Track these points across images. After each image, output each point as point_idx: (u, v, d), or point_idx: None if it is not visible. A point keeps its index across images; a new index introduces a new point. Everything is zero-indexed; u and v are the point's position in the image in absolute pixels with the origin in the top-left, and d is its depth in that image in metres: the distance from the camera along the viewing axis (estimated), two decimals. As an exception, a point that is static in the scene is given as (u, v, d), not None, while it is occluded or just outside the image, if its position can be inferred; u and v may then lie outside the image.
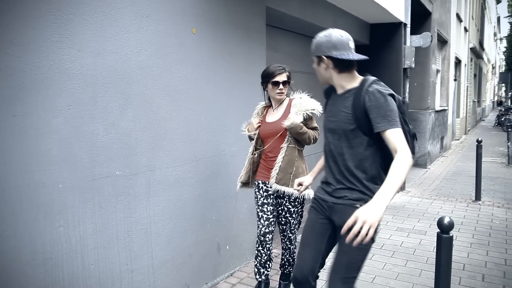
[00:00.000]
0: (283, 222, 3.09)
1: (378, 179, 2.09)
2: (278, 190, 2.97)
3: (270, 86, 2.96)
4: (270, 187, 3.00)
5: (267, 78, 2.95)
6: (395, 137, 1.94)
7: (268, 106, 3.13)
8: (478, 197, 6.43)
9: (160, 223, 2.95)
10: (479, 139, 6.63)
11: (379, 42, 6.85)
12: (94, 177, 2.48)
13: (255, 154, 3.08)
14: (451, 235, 2.42)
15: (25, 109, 2.12)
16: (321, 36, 2.12)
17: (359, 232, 1.76)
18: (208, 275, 3.46)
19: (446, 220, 2.40)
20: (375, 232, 1.95)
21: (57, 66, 2.25)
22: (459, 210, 5.94)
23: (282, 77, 2.94)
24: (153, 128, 2.85)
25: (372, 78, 2.10)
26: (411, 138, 2.13)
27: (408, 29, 6.89)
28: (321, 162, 2.53)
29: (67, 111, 2.31)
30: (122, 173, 2.65)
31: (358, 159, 2.09)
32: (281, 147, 2.95)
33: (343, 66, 2.09)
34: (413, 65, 6.82)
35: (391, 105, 1.99)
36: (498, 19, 44.11)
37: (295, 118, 2.85)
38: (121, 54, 2.59)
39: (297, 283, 2.26)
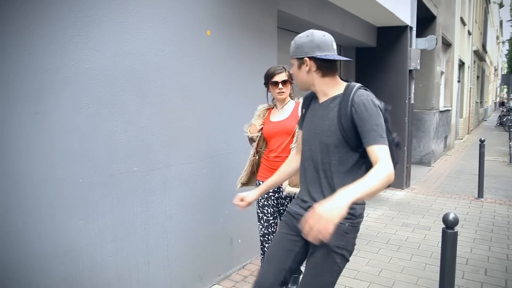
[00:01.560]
0: None
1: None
2: (289, 192, 2.75)
3: (271, 86, 2.86)
4: (281, 190, 2.84)
5: (267, 79, 2.85)
6: (379, 152, 1.69)
7: (271, 108, 2.98)
8: (480, 194, 6.31)
9: (175, 217, 2.93)
10: (482, 138, 6.51)
11: (386, 45, 6.75)
12: (112, 172, 2.46)
13: (256, 156, 2.96)
14: (455, 230, 2.37)
15: (47, 107, 2.10)
16: (302, 36, 1.86)
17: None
18: (221, 267, 3.44)
19: (451, 216, 2.35)
20: (348, 251, 1.81)
21: (78, 66, 2.23)
22: (462, 207, 5.83)
23: (281, 77, 2.80)
24: (169, 126, 2.83)
25: (357, 84, 1.84)
26: (395, 146, 1.88)
27: (414, 32, 6.78)
28: (274, 177, 2.26)
29: (87, 109, 2.30)
30: (139, 169, 2.63)
31: (342, 174, 1.83)
32: (291, 148, 2.78)
33: (326, 68, 1.85)
34: (418, 67, 6.72)
35: (378, 118, 1.74)
36: (501, 22, 43.42)
37: None
38: (139, 54, 2.57)
39: None
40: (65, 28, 2.16)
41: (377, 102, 1.79)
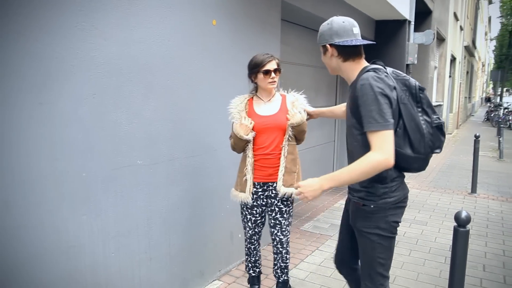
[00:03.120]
0: (272, 224, 2.71)
1: (384, 177, 1.86)
2: (284, 193, 2.61)
3: (261, 76, 2.55)
4: (271, 188, 2.67)
5: (256, 67, 2.54)
6: (374, 139, 1.71)
7: (251, 98, 2.69)
8: (474, 190, 6.35)
9: (178, 212, 2.85)
10: (477, 134, 6.53)
11: (384, 39, 6.69)
12: (116, 166, 2.36)
13: (249, 157, 2.63)
14: (467, 229, 2.32)
15: (52, 97, 2.00)
16: (324, 25, 1.93)
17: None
18: (221, 263, 3.37)
19: (463, 215, 2.31)
20: (381, 229, 1.90)
21: (83, 54, 2.12)
22: (456, 202, 5.86)
23: (272, 65, 2.54)
24: (174, 118, 2.73)
25: (370, 66, 1.86)
26: (435, 130, 1.86)
27: (412, 26, 6.75)
28: (329, 108, 2.63)
29: (92, 99, 2.19)
30: (143, 163, 2.54)
31: (359, 156, 1.81)
32: (282, 146, 2.60)
33: (347, 53, 1.89)
34: (415, 62, 6.70)
35: (372, 103, 1.71)
36: (489, 19, 43.79)
37: (304, 114, 2.61)
38: (145, 43, 2.46)
39: (337, 270, 2.34)
40: (71, 13, 2.04)
41: (377, 84, 1.73)
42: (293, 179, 2.64)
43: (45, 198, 2.02)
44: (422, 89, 1.87)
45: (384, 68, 1.87)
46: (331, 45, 1.89)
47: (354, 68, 1.90)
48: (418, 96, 1.84)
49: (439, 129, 1.87)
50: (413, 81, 1.88)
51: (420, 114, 1.84)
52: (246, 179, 2.64)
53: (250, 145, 2.60)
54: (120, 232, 2.43)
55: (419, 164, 1.91)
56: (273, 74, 2.55)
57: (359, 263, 2.07)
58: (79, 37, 2.08)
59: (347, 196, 2.17)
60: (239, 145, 2.62)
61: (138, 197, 2.53)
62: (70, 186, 2.12)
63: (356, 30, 1.89)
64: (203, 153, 3.01)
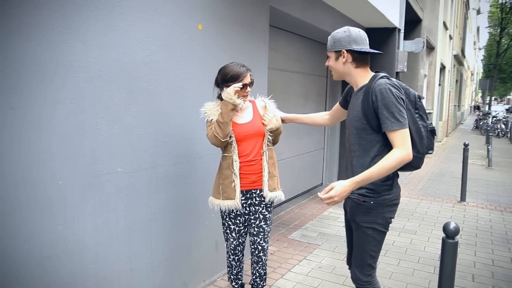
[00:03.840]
0: (255, 232, 2.64)
1: (385, 178, 2.04)
2: (271, 198, 2.61)
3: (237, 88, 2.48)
4: (254, 195, 2.61)
5: (232, 80, 2.47)
6: (398, 137, 1.93)
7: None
8: (463, 198, 6.33)
9: (160, 221, 2.76)
10: (466, 142, 6.53)
11: (374, 46, 6.59)
12: (95, 174, 2.27)
13: (235, 161, 2.54)
14: (456, 240, 2.26)
15: (25, 102, 1.91)
16: (340, 32, 2.08)
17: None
18: (206, 273, 3.28)
19: (452, 226, 2.23)
20: (378, 224, 2.08)
21: (60, 57, 2.03)
22: (446, 211, 5.83)
23: (248, 79, 2.52)
24: (156, 125, 2.65)
25: (382, 74, 2.05)
26: (429, 133, 2.11)
27: (402, 35, 6.75)
28: (302, 116, 2.74)
29: (69, 104, 2.10)
30: (124, 170, 2.45)
31: (366, 156, 2.06)
32: (263, 151, 2.58)
33: (360, 60, 2.06)
34: (405, 69, 6.70)
35: (393, 105, 1.92)
36: (478, 29, 44.39)
37: (278, 118, 2.63)
38: (127, 47, 2.38)
39: (349, 267, 2.41)
40: (48, 14, 1.96)
41: (395, 90, 1.95)
42: (275, 183, 2.66)
43: (18, 206, 1.92)
44: (420, 98, 2.11)
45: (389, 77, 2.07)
46: (348, 51, 2.04)
47: (364, 75, 2.09)
48: (417, 103, 2.08)
49: (432, 133, 2.13)
50: (412, 90, 2.11)
51: (418, 119, 2.07)
52: (234, 185, 2.54)
53: (235, 149, 2.53)
54: (99, 242, 2.34)
55: (418, 163, 2.12)
56: (248, 88, 2.55)
57: (353, 253, 2.23)
58: (56, 40, 2.00)
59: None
60: (225, 129, 2.43)
61: (118, 206, 2.44)
62: (45, 194, 2.03)
63: (367, 40, 2.10)
64: (187, 160, 2.93)
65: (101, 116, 2.27)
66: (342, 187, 1.90)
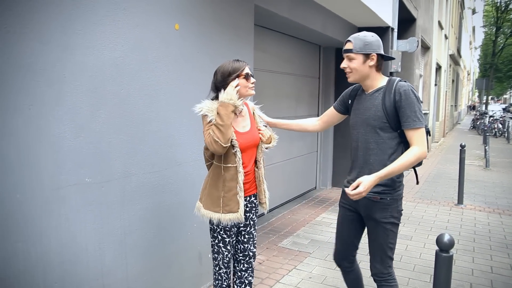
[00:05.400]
0: (246, 239, 2.52)
1: (399, 174, 2.19)
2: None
3: (243, 81, 2.29)
4: (249, 204, 2.47)
5: (235, 73, 2.27)
6: (417, 135, 2.11)
7: None
8: (460, 200, 6.18)
9: (136, 233, 2.59)
10: (463, 143, 6.38)
11: (367, 46, 6.53)
12: (59, 185, 2.10)
13: (240, 172, 2.34)
14: (451, 254, 2.09)
15: (-26, 109, 1.74)
16: (368, 36, 2.18)
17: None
18: (188, 286, 3.10)
19: (446, 238, 2.06)
20: (394, 217, 2.24)
21: (15, 60, 1.87)
22: (442, 214, 5.67)
23: (248, 70, 2.33)
24: (129, 131, 2.48)
25: (398, 78, 2.21)
26: (427, 133, 2.24)
27: (395, 34, 6.60)
28: (289, 121, 2.73)
29: (27, 111, 1.94)
30: (93, 180, 2.28)
31: (384, 153, 2.19)
32: (259, 161, 2.45)
33: (381, 64, 2.23)
34: (399, 70, 6.54)
35: (416, 105, 2.10)
36: (473, 28, 44.36)
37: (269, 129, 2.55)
38: (93, 48, 2.21)
39: (337, 265, 2.57)
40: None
41: (415, 92, 2.14)
42: (264, 191, 2.55)
43: (-31, 224, 1.75)
44: (420, 101, 2.22)
45: None
46: (377, 54, 2.17)
47: (380, 78, 2.24)
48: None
49: (427, 134, 2.25)
50: (416, 93, 2.24)
51: None
52: (239, 197, 2.32)
53: (240, 160, 2.30)
54: (65, 258, 2.16)
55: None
56: (252, 79, 2.35)
57: (369, 249, 2.34)
58: (9, 41, 1.83)
59: (343, 196, 2.44)
60: (227, 133, 2.18)
61: (88, 219, 2.27)
62: (1, 210, 1.86)
63: None
64: (164, 168, 2.76)
65: (65, 123, 2.10)
66: (369, 182, 2.04)
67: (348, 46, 2.20)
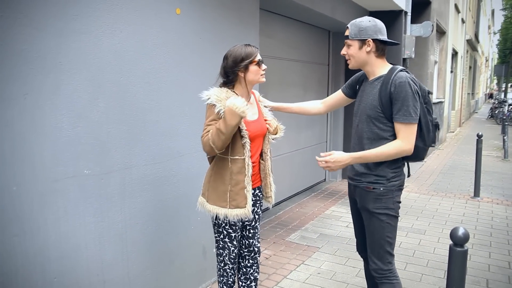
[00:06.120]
0: (251, 234, 2.52)
1: (394, 164, 2.22)
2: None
3: (254, 68, 2.27)
4: (253, 197, 2.43)
5: (247, 59, 2.23)
6: (405, 130, 2.12)
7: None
8: (477, 193, 6.13)
9: (137, 227, 2.60)
10: (480, 133, 6.31)
11: (379, 31, 6.46)
12: (57, 177, 2.11)
13: (248, 165, 2.30)
14: (465, 248, 2.08)
15: (-33, 98, 1.74)
16: (365, 21, 2.17)
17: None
18: (192, 282, 3.12)
19: (461, 232, 2.05)
20: (390, 209, 2.22)
21: (9, 47, 1.86)
22: (458, 207, 5.64)
23: (259, 56, 2.31)
24: (129, 121, 2.48)
25: (400, 67, 2.18)
26: (434, 127, 2.27)
27: (409, 18, 6.52)
28: (291, 104, 2.78)
29: (23, 100, 1.93)
30: (92, 172, 2.28)
31: (378, 143, 2.19)
32: (266, 153, 2.44)
33: (382, 50, 2.20)
34: (413, 55, 6.47)
35: (410, 99, 2.08)
36: (493, 12, 43.73)
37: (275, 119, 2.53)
38: (90, 35, 2.20)
39: (360, 255, 2.64)
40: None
41: (413, 85, 2.13)
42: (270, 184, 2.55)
43: (-36, 217, 1.77)
44: (430, 93, 2.28)
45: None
46: (373, 40, 2.15)
47: (382, 65, 2.23)
48: (426, 98, 2.23)
49: (436, 127, 2.30)
50: (423, 86, 2.26)
51: (427, 113, 2.23)
52: (246, 191, 2.29)
53: (248, 152, 2.27)
54: (64, 254, 2.18)
55: (423, 154, 2.31)
56: (264, 65, 2.34)
57: (367, 244, 2.35)
58: (1, 27, 1.82)
59: (348, 187, 2.48)
60: (226, 142, 2.16)
61: (87, 212, 2.28)
62: (-3, 202, 1.87)
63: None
64: (166, 159, 2.76)
65: (62, 112, 2.10)
66: (340, 157, 2.14)
67: (346, 32, 2.24)
